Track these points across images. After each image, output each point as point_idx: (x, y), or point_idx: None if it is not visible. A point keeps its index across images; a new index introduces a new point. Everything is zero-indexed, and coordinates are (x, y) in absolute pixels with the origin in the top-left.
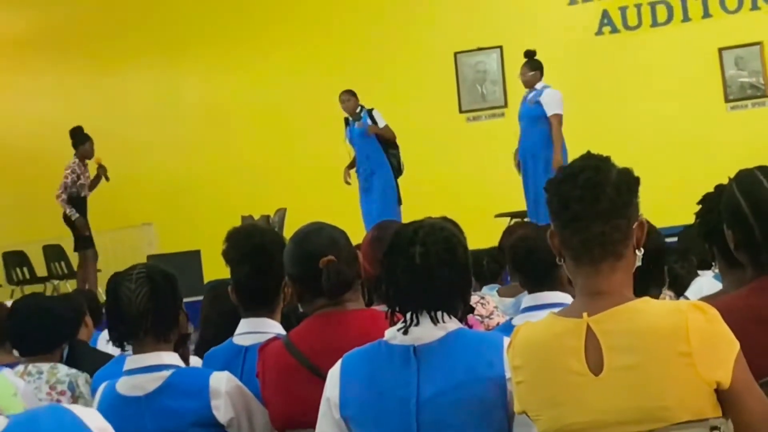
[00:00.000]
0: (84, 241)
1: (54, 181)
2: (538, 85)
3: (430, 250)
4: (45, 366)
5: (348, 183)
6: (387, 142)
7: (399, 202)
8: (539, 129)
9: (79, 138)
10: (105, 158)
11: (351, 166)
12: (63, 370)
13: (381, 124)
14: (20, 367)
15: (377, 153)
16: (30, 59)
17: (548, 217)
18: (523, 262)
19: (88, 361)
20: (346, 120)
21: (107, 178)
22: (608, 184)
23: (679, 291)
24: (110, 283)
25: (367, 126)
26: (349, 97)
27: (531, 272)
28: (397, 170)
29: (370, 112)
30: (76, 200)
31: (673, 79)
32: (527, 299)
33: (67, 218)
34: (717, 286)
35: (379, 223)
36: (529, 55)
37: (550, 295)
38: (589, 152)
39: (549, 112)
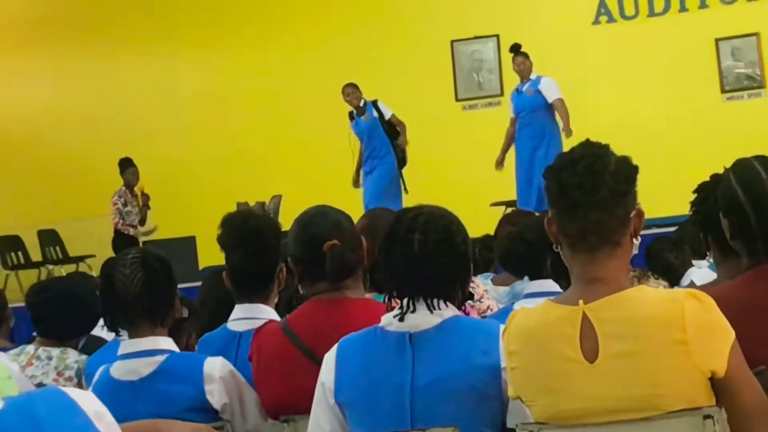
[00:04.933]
0: None
1: (49, 166)
2: (532, 75)
3: (429, 238)
4: (55, 351)
5: (358, 187)
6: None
7: (404, 191)
8: (541, 119)
9: (122, 166)
10: (98, 145)
11: (359, 166)
12: (73, 356)
13: (387, 114)
14: (30, 348)
15: (384, 145)
16: (25, 45)
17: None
18: (508, 260)
19: (98, 347)
20: (351, 114)
21: (148, 207)
22: (607, 173)
23: (673, 281)
24: (104, 268)
25: (403, 143)
26: (353, 90)
27: (515, 271)
28: (402, 161)
29: (375, 103)
30: (125, 238)
31: (669, 69)
32: (530, 286)
33: (130, 240)
34: (711, 276)
35: (370, 212)
36: (517, 48)
37: (551, 283)
38: (588, 140)
39: (552, 98)
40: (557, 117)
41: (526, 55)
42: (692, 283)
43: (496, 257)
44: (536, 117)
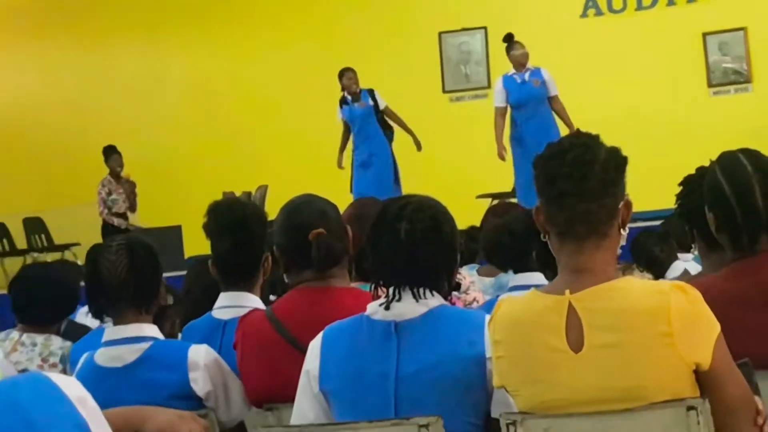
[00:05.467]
0: None
1: (35, 154)
2: (529, 66)
3: (416, 227)
4: (39, 338)
5: (341, 167)
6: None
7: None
8: (547, 111)
9: (106, 154)
10: (84, 132)
11: (342, 147)
12: (57, 343)
13: (382, 105)
14: (15, 335)
15: (377, 134)
16: (12, 32)
17: None
18: (494, 252)
19: (82, 334)
20: (342, 100)
21: (135, 194)
22: (596, 163)
23: (658, 274)
24: (90, 255)
25: (417, 143)
26: (353, 75)
27: (501, 264)
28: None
29: (371, 92)
30: (111, 229)
31: (656, 63)
32: (515, 279)
33: (115, 229)
34: (696, 268)
35: (357, 201)
36: (511, 37)
37: (537, 276)
38: (578, 130)
39: (553, 92)
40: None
41: (522, 44)
42: (686, 271)
43: (481, 249)
44: (542, 109)
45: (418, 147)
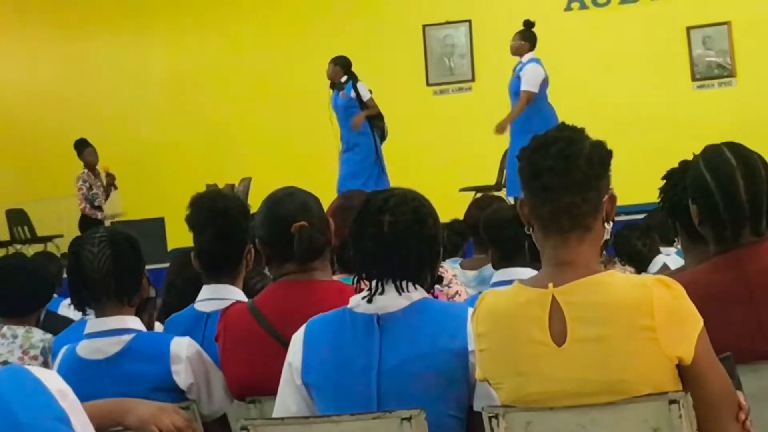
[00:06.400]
0: None
1: (16, 146)
2: (525, 58)
3: (399, 220)
4: (20, 330)
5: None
6: (373, 117)
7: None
8: (536, 105)
9: (79, 147)
10: (67, 124)
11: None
12: (38, 335)
13: (365, 96)
14: None
15: (362, 125)
16: None
17: None
18: (497, 234)
19: (62, 327)
20: (332, 85)
21: (115, 187)
22: (581, 156)
23: (640, 268)
24: (72, 247)
25: (353, 122)
26: (333, 65)
27: (503, 245)
28: (381, 137)
29: (354, 83)
30: (92, 222)
31: (640, 57)
32: (497, 274)
33: (96, 222)
34: (678, 262)
35: (344, 193)
36: (527, 24)
37: (519, 271)
38: (563, 123)
39: (522, 86)
40: (547, 103)
41: (521, 34)
42: (665, 266)
43: (483, 233)
44: (543, 103)
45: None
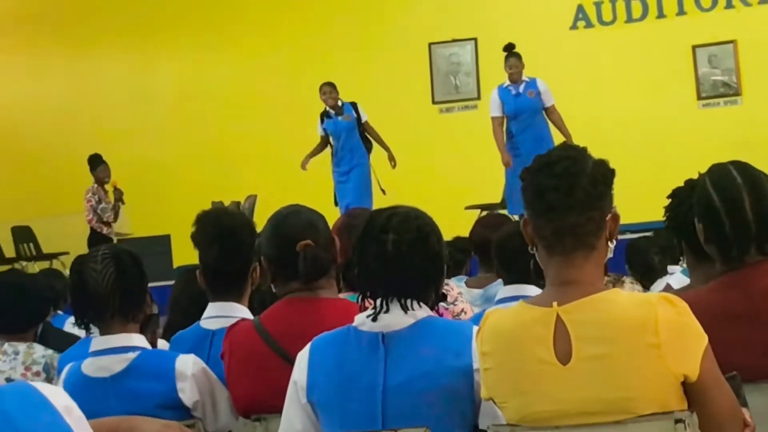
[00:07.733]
0: None
1: (22, 163)
2: (525, 77)
3: (403, 238)
4: (21, 346)
5: (305, 169)
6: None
7: (382, 192)
8: (542, 122)
9: (92, 163)
10: (74, 141)
11: (313, 154)
12: (39, 351)
13: (364, 118)
14: None
15: (360, 147)
16: (1, 40)
17: None
18: (513, 259)
19: (60, 342)
20: (324, 113)
21: (123, 202)
22: (584, 175)
23: (649, 284)
24: (75, 265)
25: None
26: (330, 89)
27: (515, 270)
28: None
29: (354, 105)
30: (100, 237)
31: (646, 76)
32: (504, 290)
33: (103, 237)
34: (682, 282)
35: (349, 211)
36: (512, 47)
37: (524, 288)
38: (566, 143)
39: (549, 103)
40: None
41: (519, 57)
42: (668, 286)
43: (495, 255)
44: (538, 120)
45: (393, 164)
